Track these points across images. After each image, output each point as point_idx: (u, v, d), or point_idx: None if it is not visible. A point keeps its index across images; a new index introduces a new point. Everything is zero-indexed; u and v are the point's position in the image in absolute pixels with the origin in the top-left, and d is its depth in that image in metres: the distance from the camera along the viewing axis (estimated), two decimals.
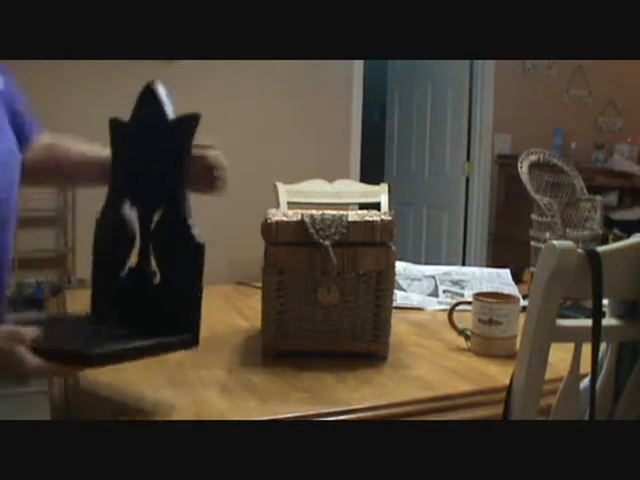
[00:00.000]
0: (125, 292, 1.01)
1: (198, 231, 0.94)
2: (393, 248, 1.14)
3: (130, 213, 1.02)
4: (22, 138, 1.16)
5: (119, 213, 1.02)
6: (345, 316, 1.13)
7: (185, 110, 1.05)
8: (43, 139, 1.24)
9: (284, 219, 1.13)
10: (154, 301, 0.98)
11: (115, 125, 1.07)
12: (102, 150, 1.15)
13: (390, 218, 1.14)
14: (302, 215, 1.13)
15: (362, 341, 1.13)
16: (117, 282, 1.02)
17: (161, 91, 1.01)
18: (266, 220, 1.13)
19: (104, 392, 0.96)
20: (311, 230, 1.10)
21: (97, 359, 0.85)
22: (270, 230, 1.12)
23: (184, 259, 0.95)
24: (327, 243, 1.09)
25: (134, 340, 0.90)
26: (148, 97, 1.02)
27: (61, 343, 0.91)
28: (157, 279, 0.99)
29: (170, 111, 1.00)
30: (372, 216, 1.15)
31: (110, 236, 1.04)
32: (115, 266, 1.02)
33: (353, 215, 1.15)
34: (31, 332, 0.85)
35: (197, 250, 0.94)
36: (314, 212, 1.15)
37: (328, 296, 1.12)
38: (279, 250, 1.12)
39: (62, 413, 0.94)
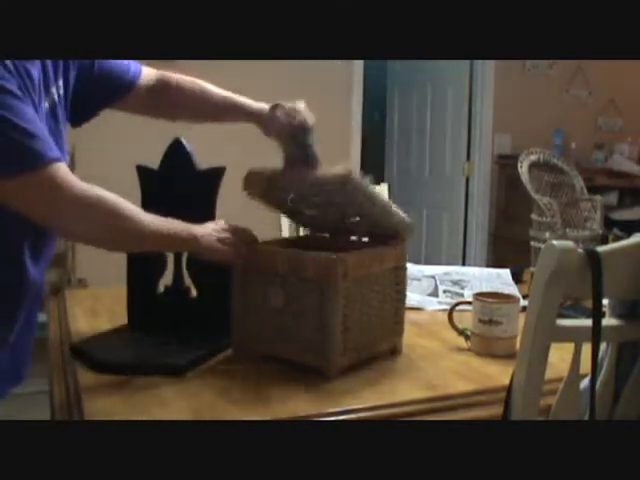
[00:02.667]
0: (164, 307, 1.20)
1: None
2: (334, 256, 1.03)
3: None
4: (122, 92, 1.19)
5: None
6: (293, 324, 1.06)
7: None
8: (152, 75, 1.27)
9: None
10: (193, 312, 1.18)
11: (143, 171, 1.23)
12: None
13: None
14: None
15: (309, 354, 1.05)
16: (154, 300, 1.21)
17: (187, 145, 1.20)
18: None
19: (104, 392, 0.96)
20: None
21: (187, 368, 1.03)
22: None
23: (217, 278, 1.13)
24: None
25: (199, 347, 1.09)
26: (177, 148, 1.20)
27: (141, 357, 1.08)
28: (193, 294, 1.20)
29: (197, 162, 1.20)
30: None
31: (145, 263, 1.20)
32: (151, 287, 1.21)
33: None
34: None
35: (227, 274, 1.12)
36: None
37: (275, 299, 1.07)
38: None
39: (62, 413, 0.94)
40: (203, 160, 1.22)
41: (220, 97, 1.29)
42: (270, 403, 0.94)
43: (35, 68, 0.97)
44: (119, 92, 1.19)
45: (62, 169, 0.94)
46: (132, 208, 1.00)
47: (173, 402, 0.93)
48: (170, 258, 1.22)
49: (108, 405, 0.92)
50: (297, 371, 1.04)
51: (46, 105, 1.02)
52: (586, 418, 0.85)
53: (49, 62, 1.02)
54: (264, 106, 1.27)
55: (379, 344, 1.14)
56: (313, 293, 1.04)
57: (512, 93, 3.99)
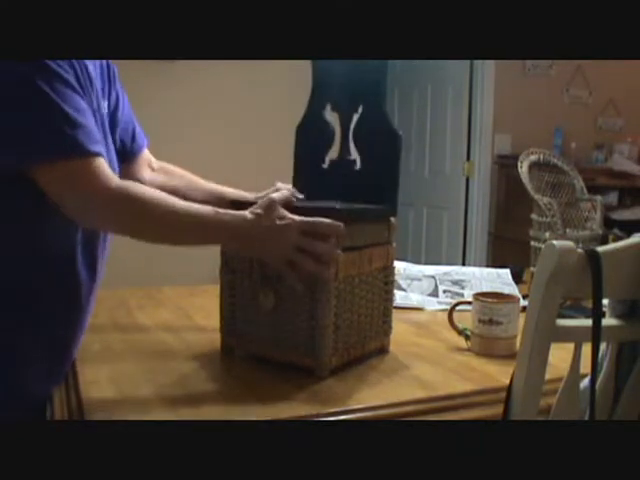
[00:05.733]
0: (330, 179, 1.23)
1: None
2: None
3: (330, 117, 1.25)
4: (127, 150, 1.19)
5: (321, 118, 1.25)
6: (284, 324, 1.06)
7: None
8: (155, 162, 1.28)
9: None
10: (357, 183, 1.20)
11: None
12: (223, 189, 1.28)
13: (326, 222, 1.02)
14: None
15: (299, 354, 1.05)
16: (321, 172, 1.24)
17: None
18: None
19: (104, 392, 0.96)
20: None
21: (348, 214, 1.04)
22: None
23: (384, 146, 1.16)
24: None
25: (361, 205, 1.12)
26: None
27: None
28: (358, 166, 1.21)
29: None
30: None
31: (313, 137, 1.25)
32: (318, 160, 1.25)
33: None
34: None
35: (396, 138, 1.16)
36: None
37: (265, 300, 1.07)
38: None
39: (62, 413, 0.94)
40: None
41: (207, 189, 1.27)
42: (267, 403, 0.94)
43: (93, 69, 0.98)
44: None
45: (101, 164, 0.92)
46: (168, 203, 0.95)
47: (173, 402, 0.93)
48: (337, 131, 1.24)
49: (108, 405, 0.92)
50: (288, 371, 1.04)
51: (105, 111, 1.02)
52: (586, 418, 0.85)
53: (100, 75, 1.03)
54: (247, 195, 1.21)
55: (368, 343, 1.13)
56: (303, 293, 1.03)
57: (512, 93, 4.00)
